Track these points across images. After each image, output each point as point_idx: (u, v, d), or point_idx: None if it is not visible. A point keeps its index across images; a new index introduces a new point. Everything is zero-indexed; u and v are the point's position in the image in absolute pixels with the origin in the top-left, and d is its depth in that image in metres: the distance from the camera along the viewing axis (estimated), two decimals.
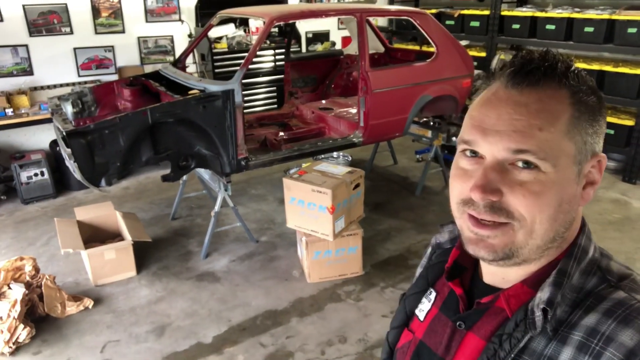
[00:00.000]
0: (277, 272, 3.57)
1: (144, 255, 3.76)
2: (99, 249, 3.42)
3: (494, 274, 0.76)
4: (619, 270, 0.70)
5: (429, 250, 0.95)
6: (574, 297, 0.67)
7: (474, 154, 0.69)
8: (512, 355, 0.67)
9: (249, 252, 3.82)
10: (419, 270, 0.96)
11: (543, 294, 0.67)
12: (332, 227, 3.23)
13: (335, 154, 5.41)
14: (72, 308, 3.14)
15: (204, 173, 3.88)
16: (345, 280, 3.45)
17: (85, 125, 2.97)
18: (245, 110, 5.38)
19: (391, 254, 3.78)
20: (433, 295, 0.85)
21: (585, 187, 0.69)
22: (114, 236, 3.83)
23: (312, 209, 3.26)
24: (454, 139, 5.44)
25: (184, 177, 4.27)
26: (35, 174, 4.71)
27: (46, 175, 4.75)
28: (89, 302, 3.19)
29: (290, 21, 4.13)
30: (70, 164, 3.00)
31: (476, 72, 4.99)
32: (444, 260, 0.86)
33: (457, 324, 0.77)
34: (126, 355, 2.80)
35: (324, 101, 4.88)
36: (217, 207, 3.67)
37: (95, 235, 3.78)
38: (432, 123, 4.72)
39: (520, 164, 0.65)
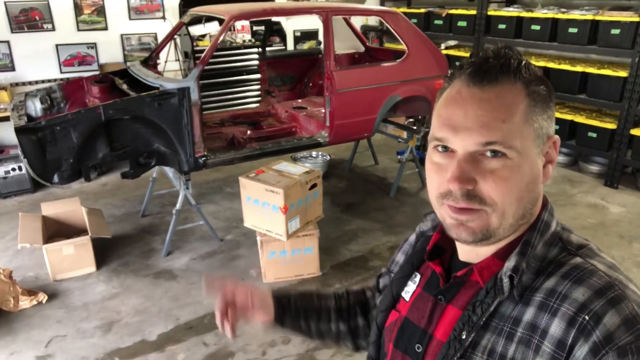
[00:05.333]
0: (236, 271, 3.56)
1: (107, 251, 3.78)
2: (57, 244, 3.44)
3: (468, 252, 0.83)
4: (578, 241, 0.78)
5: (413, 237, 1.03)
6: (537, 265, 0.75)
7: (445, 148, 0.76)
8: (484, 319, 0.75)
9: (212, 250, 3.82)
10: (399, 256, 1.05)
11: (510, 263, 0.75)
12: (285, 227, 3.21)
13: (314, 153, 5.40)
14: (25, 302, 3.17)
15: (168, 170, 3.89)
16: (302, 280, 3.44)
17: (37, 121, 2.99)
18: (228, 108, 5.43)
19: (353, 255, 3.75)
20: (418, 277, 0.92)
21: (544, 166, 0.77)
22: (80, 231, 3.84)
23: (266, 208, 3.24)
24: None
25: (154, 175, 4.29)
26: (13, 169, 4.77)
27: (24, 170, 4.79)
28: (42, 297, 3.22)
29: (252, 19, 4.11)
30: (22, 160, 3.02)
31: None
32: (427, 246, 0.92)
33: (438, 297, 0.84)
34: (69, 350, 2.81)
35: (300, 100, 4.86)
36: (178, 205, 3.68)
37: (61, 231, 3.81)
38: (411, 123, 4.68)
39: (488, 153, 0.72)
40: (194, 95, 3.27)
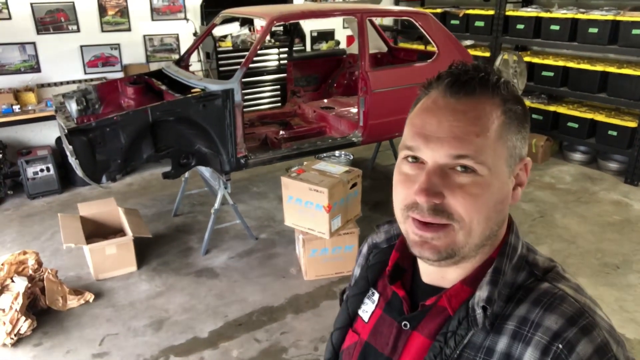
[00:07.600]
0: (275, 269, 3.61)
1: (145, 250, 3.82)
2: (100, 244, 3.48)
3: (433, 274, 0.80)
4: (544, 264, 0.77)
5: (365, 249, 0.97)
6: (507, 292, 0.73)
7: (415, 159, 0.73)
8: (458, 352, 0.72)
9: (248, 249, 3.87)
10: (356, 270, 0.98)
11: (482, 293, 0.73)
12: (328, 226, 3.26)
13: (337, 152, 5.45)
14: (73, 302, 3.21)
15: (205, 170, 3.94)
16: (342, 277, 3.49)
17: (87, 122, 3.03)
18: (249, 108, 5.47)
19: None
20: (376, 296, 0.88)
21: (514, 188, 0.75)
22: (116, 232, 3.89)
23: (309, 207, 3.30)
24: None
25: (186, 175, 4.33)
26: (41, 170, 4.79)
27: (52, 171, 4.82)
28: (89, 296, 3.26)
29: (291, 21, 4.16)
30: (72, 161, 3.06)
31: None
32: (382, 260, 0.89)
33: (403, 324, 0.81)
34: (124, 348, 2.86)
35: (325, 100, 4.91)
36: (216, 205, 3.72)
37: (97, 231, 3.84)
38: None
39: (459, 168, 0.70)
40: (237, 97, 3.31)
